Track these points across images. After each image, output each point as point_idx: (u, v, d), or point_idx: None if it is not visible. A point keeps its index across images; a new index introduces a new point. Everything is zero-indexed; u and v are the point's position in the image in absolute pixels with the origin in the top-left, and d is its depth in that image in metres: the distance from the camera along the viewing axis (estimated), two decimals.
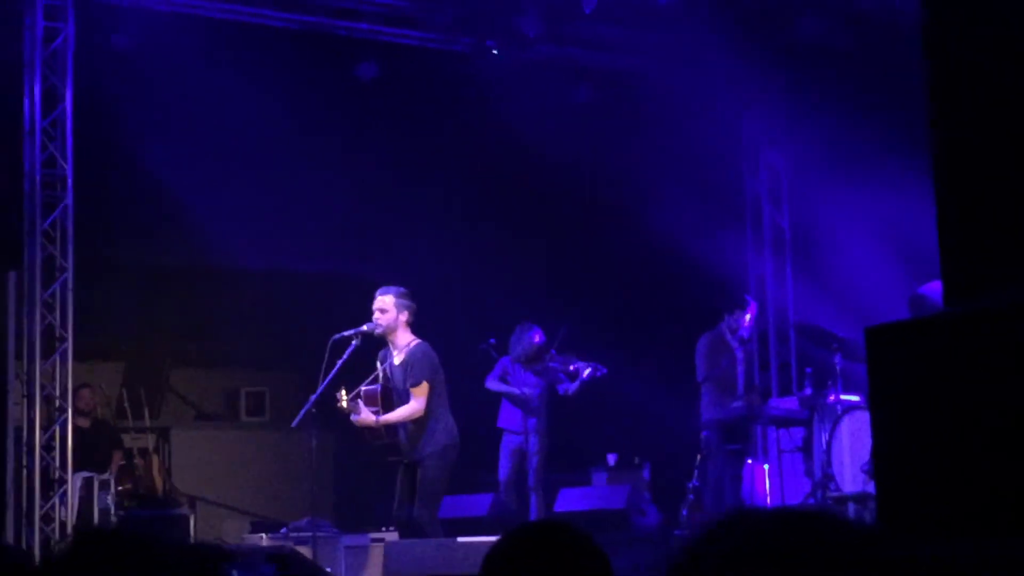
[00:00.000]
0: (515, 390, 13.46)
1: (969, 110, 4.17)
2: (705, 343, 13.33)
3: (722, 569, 1.14)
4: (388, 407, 10.55)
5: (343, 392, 10.47)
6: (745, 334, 13.31)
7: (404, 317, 10.57)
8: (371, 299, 10.72)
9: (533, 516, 13.15)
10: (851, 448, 11.77)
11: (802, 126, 14.72)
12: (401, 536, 10.61)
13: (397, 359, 10.57)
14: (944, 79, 4.21)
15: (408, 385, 10.47)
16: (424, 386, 10.45)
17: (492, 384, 13.67)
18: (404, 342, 10.59)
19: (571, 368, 13.53)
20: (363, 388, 10.64)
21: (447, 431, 10.52)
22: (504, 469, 13.72)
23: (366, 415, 10.48)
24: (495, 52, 14.40)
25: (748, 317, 13.28)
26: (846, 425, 11.87)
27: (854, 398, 12.19)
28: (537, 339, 13.63)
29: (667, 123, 14.41)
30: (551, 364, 13.50)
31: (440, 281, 13.27)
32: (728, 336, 13.27)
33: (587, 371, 13.46)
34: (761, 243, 15.74)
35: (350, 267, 15.32)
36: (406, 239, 14.57)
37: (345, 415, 10.58)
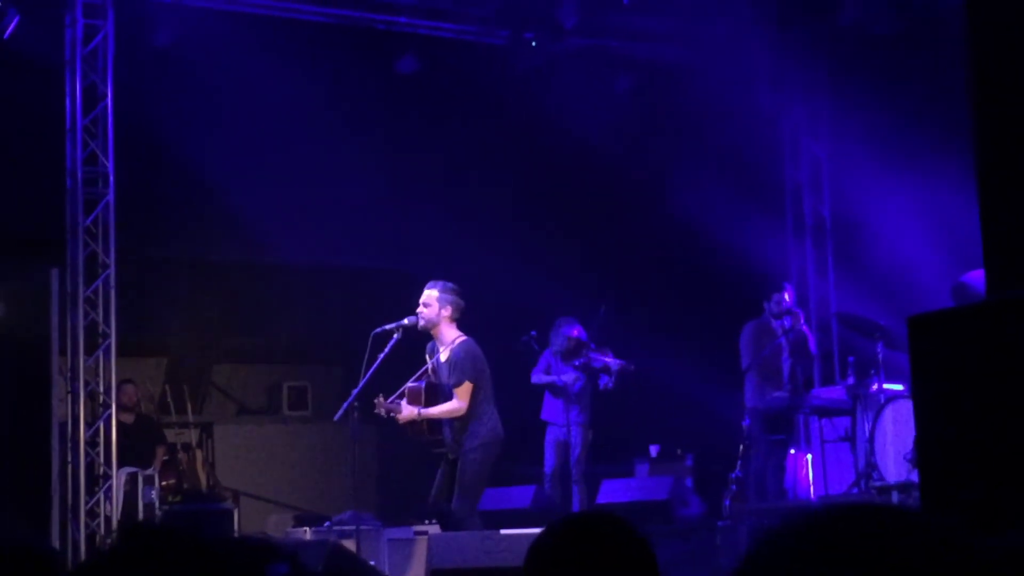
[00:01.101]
0: (556, 379, 13.50)
1: (1013, 99, 4.15)
2: (749, 331, 13.32)
3: (799, 564, 1.14)
4: (432, 403, 10.54)
5: (380, 398, 10.46)
6: (788, 322, 13.26)
7: (447, 312, 10.48)
8: (412, 293, 10.70)
9: (576, 508, 13.16)
10: (894, 437, 11.72)
11: (844, 115, 14.67)
12: (440, 527, 10.61)
13: (443, 355, 10.52)
14: (988, 68, 4.19)
15: (452, 384, 10.44)
16: (467, 386, 10.40)
17: (536, 377, 13.71)
18: (450, 338, 10.52)
19: (607, 362, 13.54)
20: (408, 385, 10.62)
21: (491, 428, 10.50)
22: (549, 462, 13.74)
23: (407, 412, 10.46)
24: (533, 44, 14.40)
25: (786, 296, 13.23)
26: (889, 414, 11.82)
27: (897, 387, 12.13)
28: (575, 333, 13.64)
29: (707, 113, 14.39)
30: (591, 356, 13.52)
31: (481, 273, 13.25)
32: (773, 324, 13.25)
33: (617, 366, 13.48)
34: (802, 232, 15.69)
35: (391, 261, 15.34)
36: (447, 232, 14.57)
37: (387, 416, 10.57)
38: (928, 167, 13.11)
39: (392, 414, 10.50)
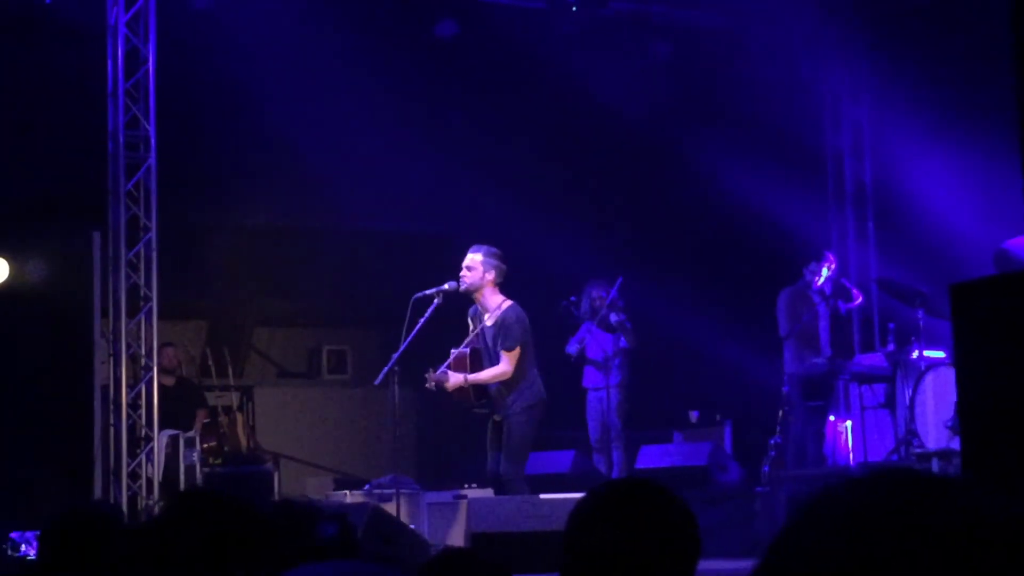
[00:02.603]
0: (575, 347, 13.57)
1: None
2: (786, 298, 13.29)
3: (838, 531, 1.15)
4: (478, 368, 10.54)
5: (430, 373, 10.46)
6: (828, 289, 13.22)
7: (491, 276, 10.46)
8: (450, 257, 10.71)
9: (615, 473, 13.18)
10: (935, 404, 11.69)
11: (885, 80, 14.59)
12: (494, 491, 10.62)
13: (489, 320, 10.51)
14: None
15: (500, 348, 10.42)
16: (517, 350, 10.40)
17: (569, 347, 13.75)
18: (495, 303, 10.50)
19: (616, 318, 13.54)
20: (455, 352, 10.60)
21: (535, 392, 10.50)
22: (593, 430, 13.75)
23: (455, 379, 10.47)
24: (574, 9, 14.35)
25: (826, 270, 13.19)
26: (930, 381, 11.79)
27: (938, 354, 12.10)
28: (594, 293, 13.67)
29: (746, 80, 14.34)
30: (613, 317, 13.51)
31: (520, 238, 13.26)
32: (810, 291, 13.21)
33: (620, 319, 13.50)
34: (843, 198, 15.63)
35: (431, 225, 15.36)
36: (488, 197, 14.57)
37: (437, 389, 10.57)
38: (971, 132, 13.04)
39: (441, 384, 10.50)
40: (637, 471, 13.14)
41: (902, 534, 1.13)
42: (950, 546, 1.12)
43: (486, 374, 10.46)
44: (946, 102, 13.43)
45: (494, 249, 10.53)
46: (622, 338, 13.57)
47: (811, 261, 13.27)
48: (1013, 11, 4.14)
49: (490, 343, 10.51)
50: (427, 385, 10.50)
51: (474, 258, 10.47)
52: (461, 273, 10.45)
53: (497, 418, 10.50)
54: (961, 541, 1.13)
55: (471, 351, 10.55)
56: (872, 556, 1.12)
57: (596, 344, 13.59)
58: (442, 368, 10.49)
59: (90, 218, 12.98)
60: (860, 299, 13.67)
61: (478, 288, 10.46)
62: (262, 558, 1.82)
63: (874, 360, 13.20)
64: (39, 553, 3.69)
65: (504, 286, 10.60)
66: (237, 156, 14.41)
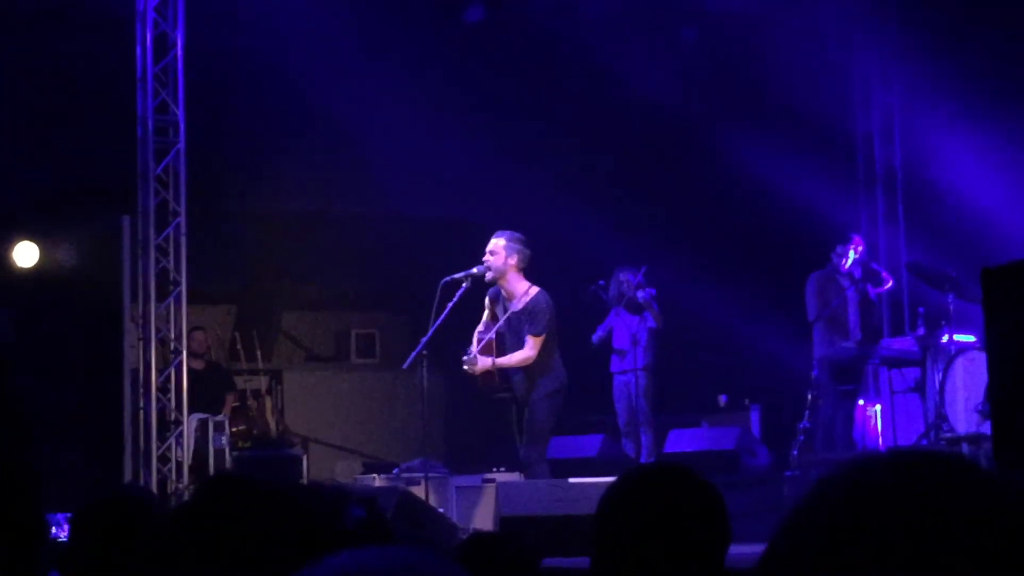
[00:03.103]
0: (601, 335, 13.59)
1: None
2: (814, 282, 13.24)
3: (853, 512, 1.14)
4: (502, 353, 10.53)
5: (470, 353, 10.44)
6: (857, 272, 13.18)
7: (514, 261, 10.44)
8: (479, 242, 10.69)
9: (643, 457, 13.17)
10: (965, 388, 11.64)
11: (915, 63, 14.52)
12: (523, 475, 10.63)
13: (514, 305, 10.48)
14: None
15: (528, 333, 10.39)
16: (543, 336, 10.39)
17: (594, 336, 13.75)
18: (522, 289, 10.47)
19: (643, 296, 13.52)
20: (483, 336, 10.56)
21: (558, 377, 10.49)
22: (621, 414, 13.73)
23: (483, 363, 10.46)
24: None
25: (853, 252, 13.14)
26: (960, 365, 11.74)
27: (968, 338, 12.05)
28: (623, 277, 13.65)
29: (776, 63, 14.29)
30: (640, 294, 13.49)
31: (550, 223, 13.26)
32: (838, 274, 13.17)
33: (647, 296, 13.49)
34: (873, 182, 15.57)
35: (460, 210, 15.35)
36: (517, 182, 14.57)
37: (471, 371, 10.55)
38: (1002, 115, 12.98)
39: (471, 367, 10.47)
40: (666, 455, 13.13)
41: (920, 515, 1.12)
42: (968, 529, 1.10)
43: (513, 358, 10.44)
44: (977, 85, 13.36)
45: (517, 234, 10.50)
46: (649, 319, 13.54)
47: (838, 244, 13.22)
48: None
49: (515, 328, 10.48)
50: (465, 367, 10.47)
51: (497, 243, 10.45)
52: (485, 258, 10.43)
53: (520, 403, 10.49)
54: (981, 525, 1.11)
55: (498, 335, 10.53)
56: (887, 537, 1.11)
57: (624, 327, 13.58)
58: (472, 353, 10.47)
59: (119, 203, 13.02)
60: (891, 283, 13.60)
61: (502, 273, 10.43)
62: (292, 542, 1.81)
63: (904, 344, 13.16)
64: (71, 536, 3.70)
65: (533, 271, 10.58)
66: (266, 140, 14.42)
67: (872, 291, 13.48)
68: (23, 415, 1.25)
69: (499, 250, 10.42)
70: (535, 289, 10.47)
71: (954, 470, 1.16)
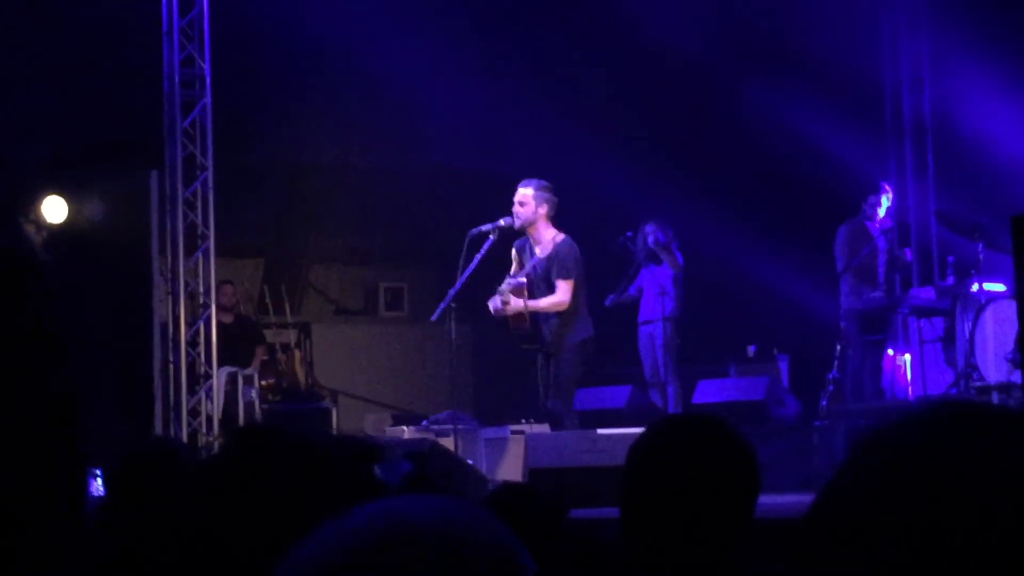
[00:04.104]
0: (634, 293, 13.60)
1: None
2: (844, 233, 13.19)
3: (900, 466, 1.13)
4: (531, 299, 10.49)
5: (503, 290, 10.41)
6: (888, 223, 13.12)
7: (544, 210, 10.40)
8: (509, 194, 10.66)
9: (671, 408, 13.16)
10: (995, 337, 11.61)
11: (944, 9, 14.41)
12: (550, 426, 10.62)
13: (541, 252, 10.44)
14: None
15: (556, 277, 10.34)
16: (571, 282, 10.35)
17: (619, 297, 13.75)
18: (549, 236, 10.43)
19: (661, 242, 13.50)
20: (511, 281, 10.52)
21: (586, 327, 10.47)
22: (647, 365, 13.72)
23: (516, 303, 10.41)
24: None
25: (885, 200, 13.08)
26: (990, 314, 11.70)
27: (998, 287, 12.00)
28: (649, 229, 13.63)
29: (803, 11, 14.19)
30: (650, 240, 13.48)
31: (577, 175, 13.22)
32: (868, 225, 13.11)
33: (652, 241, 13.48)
34: (901, 131, 15.48)
35: (488, 163, 15.32)
36: (544, 134, 14.54)
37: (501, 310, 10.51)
38: None
39: (504, 306, 10.41)
40: (694, 406, 13.13)
41: (972, 466, 1.11)
42: (1014, 478, 1.10)
43: (545, 302, 10.38)
44: (1007, 31, 13.25)
45: (544, 182, 10.46)
46: (668, 266, 13.52)
47: (869, 195, 13.16)
48: None
49: (542, 275, 10.45)
50: (493, 308, 10.42)
51: (525, 192, 10.41)
52: (514, 208, 10.39)
53: (548, 354, 10.46)
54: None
55: (529, 280, 10.48)
56: (941, 490, 1.10)
57: (653, 279, 13.55)
58: (504, 289, 10.41)
59: (147, 157, 13.03)
60: (908, 258, 13.65)
61: (532, 222, 10.39)
62: (323, 494, 1.82)
63: (933, 294, 13.12)
64: (108, 489, 3.72)
65: (561, 222, 10.55)
66: (293, 93, 14.41)
67: (909, 254, 13.47)
68: (58, 336, 1.25)
69: (528, 200, 10.38)
70: (561, 236, 10.43)
71: (994, 419, 1.15)
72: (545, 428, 10.64)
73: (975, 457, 1.11)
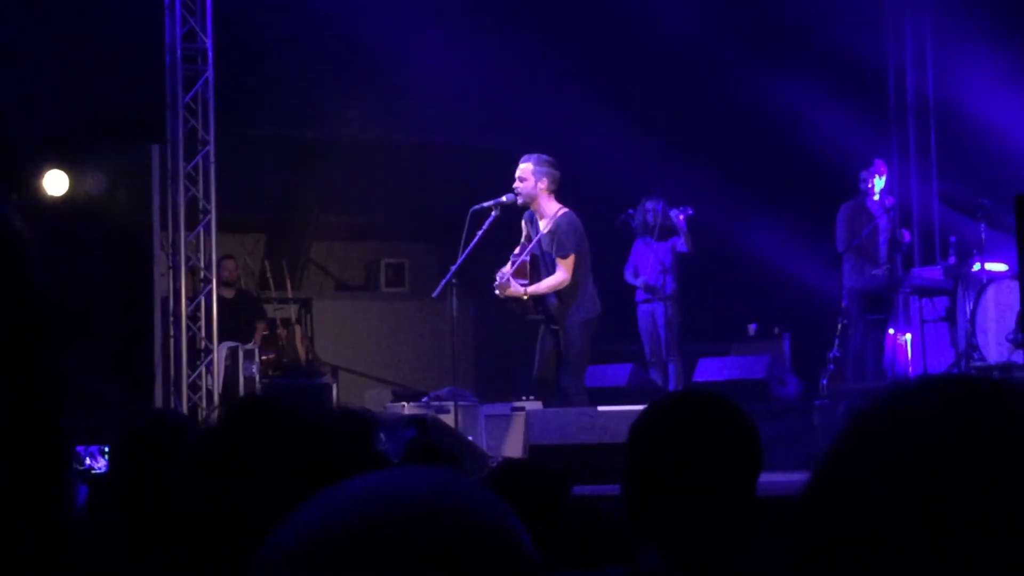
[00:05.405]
0: (637, 282, 13.58)
1: None
2: (845, 212, 13.17)
3: (897, 436, 1.12)
4: (536, 276, 10.44)
5: (506, 275, 10.38)
6: (888, 202, 13.10)
7: (544, 184, 10.36)
8: (510, 171, 10.62)
9: (672, 386, 13.16)
10: (996, 318, 11.61)
11: None
12: (541, 400, 10.59)
13: (545, 227, 10.41)
14: None
15: (555, 255, 10.33)
16: (572, 257, 10.31)
17: (628, 278, 13.77)
18: (551, 211, 10.40)
19: (676, 219, 13.47)
20: (515, 258, 10.49)
21: (591, 301, 10.44)
22: (647, 343, 13.71)
23: (515, 288, 10.38)
24: None
25: (879, 178, 13.01)
26: (991, 294, 11.70)
27: (1000, 267, 12.00)
28: (649, 206, 13.61)
29: None
30: (673, 213, 13.46)
31: (579, 152, 13.21)
32: (869, 203, 13.09)
33: (680, 217, 13.41)
34: (904, 112, 15.45)
35: (490, 139, 15.30)
36: (546, 111, 14.50)
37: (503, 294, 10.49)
38: None
39: (503, 290, 10.40)
40: (695, 384, 13.13)
41: (973, 436, 1.10)
42: (1011, 449, 1.09)
43: (544, 284, 10.35)
44: (1009, 12, 13.22)
45: (545, 156, 10.43)
46: (679, 242, 13.49)
47: (861, 171, 13.12)
48: None
49: (547, 250, 10.42)
50: (496, 291, 10.40)
51: (525, 167, 10.38)
52: (515, 184, 10.36)
53: (555, 327, 10.42)
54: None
55: (532, 259, 10.45)
56: (941, 460, 1.09)
57: (653, 256, 13.52)
58: (505, 275, 10.40)
59: (148, 131, 13.02)
60: (907, 239, 13.63)
61: (533, 197, 10.36)
62: (322, 466, 1.81)
63: (934, 273, 13.11)
64: (110, 463, 3.71)
65: (562, 197, 10.52)
66: (295, 68, 14.38)
67: (907, 236, 13.44)
68: (45, 314, 1.22)
69: (528, 175, 10.35)
70: (563, 210, 10.39)
71: (992, 390, 1.14)
72: (537, 405, 10.60)
73: (975, 426, 1.10)
